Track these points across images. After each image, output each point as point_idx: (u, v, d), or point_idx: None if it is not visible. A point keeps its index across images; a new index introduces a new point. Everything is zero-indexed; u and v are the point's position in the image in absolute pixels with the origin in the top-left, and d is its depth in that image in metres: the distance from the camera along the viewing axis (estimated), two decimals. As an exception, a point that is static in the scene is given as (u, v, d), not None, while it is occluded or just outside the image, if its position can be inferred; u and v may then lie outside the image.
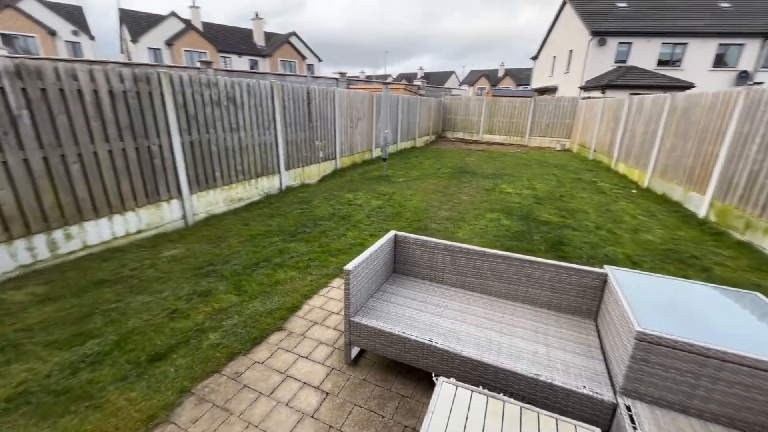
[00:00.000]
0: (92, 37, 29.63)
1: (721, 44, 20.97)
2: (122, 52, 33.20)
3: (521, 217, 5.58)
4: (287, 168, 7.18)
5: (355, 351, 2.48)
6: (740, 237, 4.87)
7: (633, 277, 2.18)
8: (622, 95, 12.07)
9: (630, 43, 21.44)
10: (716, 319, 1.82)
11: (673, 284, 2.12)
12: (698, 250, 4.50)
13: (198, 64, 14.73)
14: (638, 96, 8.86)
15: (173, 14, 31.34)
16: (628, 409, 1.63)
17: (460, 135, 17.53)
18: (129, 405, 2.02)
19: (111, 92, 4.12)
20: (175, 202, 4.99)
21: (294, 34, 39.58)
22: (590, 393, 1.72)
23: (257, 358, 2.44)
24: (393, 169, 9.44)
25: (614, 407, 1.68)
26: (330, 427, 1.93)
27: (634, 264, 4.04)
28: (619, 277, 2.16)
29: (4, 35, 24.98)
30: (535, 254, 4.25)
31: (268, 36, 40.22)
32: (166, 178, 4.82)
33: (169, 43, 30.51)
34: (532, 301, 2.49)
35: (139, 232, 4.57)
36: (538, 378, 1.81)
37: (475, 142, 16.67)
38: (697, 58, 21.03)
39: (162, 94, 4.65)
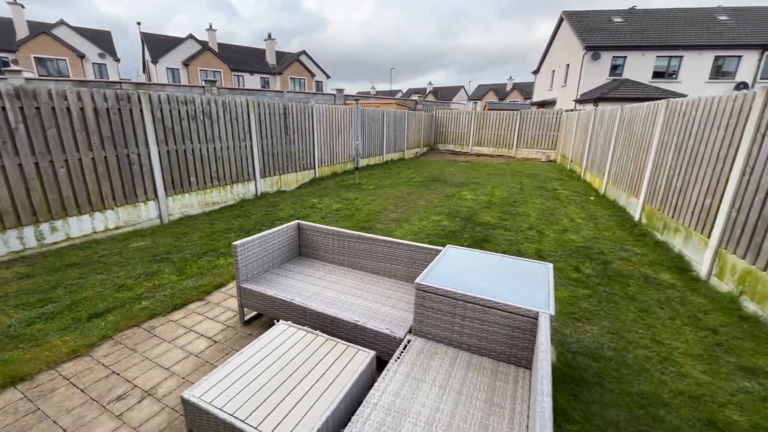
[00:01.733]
0: (117, 59, 31.88)
1: (717, 56, 21.05)
2: (144, 72, 35.61)
3: (463, 219, 6.08)
4: (263, 176, 7.91)
5: (251, 314, 3.06)
6: (660, 237, 5.24)
7: (461, 253, 2.70)
8: (615, 108, 12.40)
9: (625, 57, 21.79)
10: (494, 278, 2.31)
11: (488, 258, 2.63)
12: (612, 248, 4.89)
13: (208, 83, 15.96)
14: (601, 108, 9.29)
15: (191, 36, 33.51)
16: (409, 341, 2.15)
17: (452, 147, 18.11)
18: (62, 344, 2.65)
19: (95, 109, 4.94)
20: (151, 204, 5.73)
21: (304, 53, 41.42)
22: (388, 332, 2.25)
23: (173, 318, 3.04)
24: (369, 178, 10.08)
25: (402, 341, 2.20)
26: (206, 362, 2.51)
27: (539, 257, 4.49)
28: (449, 252, 2.69)
29: (38, 59, 27.37)
30: (456, 249, 4.75)
31: (281, 55, 42.21)
32: (143, 182, 5.58)
33: (186, 63, 32.52)
34: (395, 275, 3.02)
35: (117, 228, 5.31)
36: (356, 323, 2.34)
37: (465, 154, 17.21)
38: (693, 71, 21.16)
39: (141, 111, 5.45)
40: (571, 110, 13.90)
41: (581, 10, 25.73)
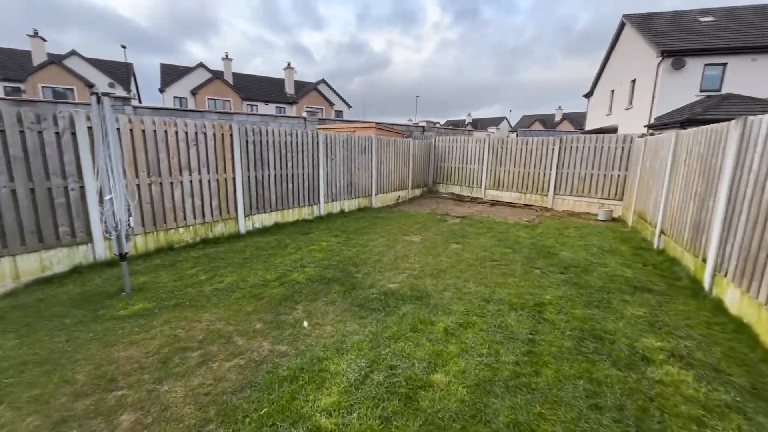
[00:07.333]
0: (128, 90, 31.07)
1: None
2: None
3: None
4: None
5: None
6: None
7: None
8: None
9: (724, 64, 15.16)
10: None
11: None
12: None
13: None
14: (758, 117, 3.47)
15: (201, 65, 32.24)
16: None
17: (456, 190, 12.51)
18: None
19: None
20: None
21: (323, 81, 39.04)
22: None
23: None
24: (206, 265, 4.90)
25: None
26: None
27: None
28: None
29: (47, 88, 26.97)
30: None
31: (301, 85, 40.40)
32: None
33: (194, 91, 30.97)
34: None
35: None
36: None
37: (473, 200, 11.50)
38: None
39: None
40: (654, 134, 7.88)
41: (647, 12, 19.64)
